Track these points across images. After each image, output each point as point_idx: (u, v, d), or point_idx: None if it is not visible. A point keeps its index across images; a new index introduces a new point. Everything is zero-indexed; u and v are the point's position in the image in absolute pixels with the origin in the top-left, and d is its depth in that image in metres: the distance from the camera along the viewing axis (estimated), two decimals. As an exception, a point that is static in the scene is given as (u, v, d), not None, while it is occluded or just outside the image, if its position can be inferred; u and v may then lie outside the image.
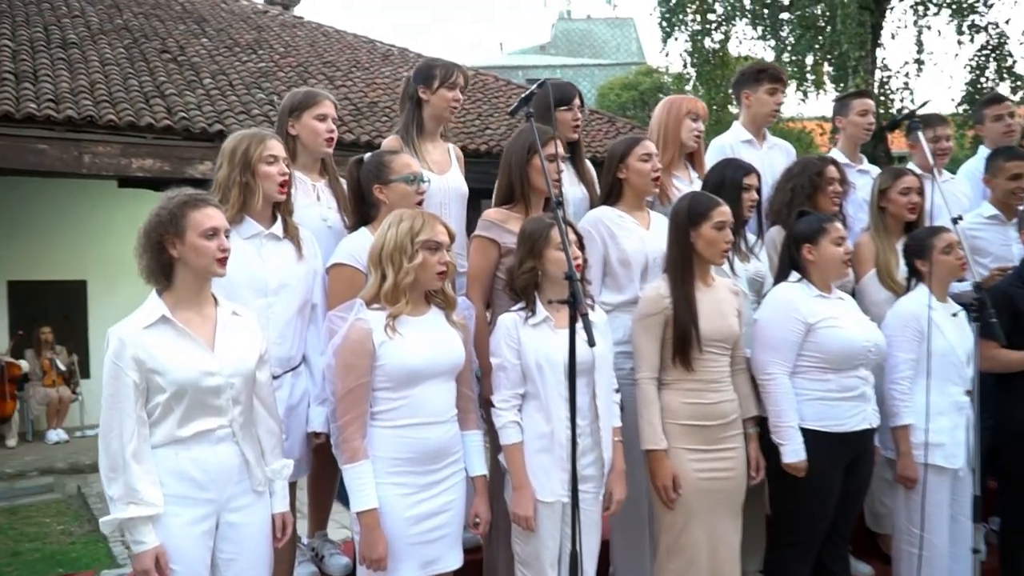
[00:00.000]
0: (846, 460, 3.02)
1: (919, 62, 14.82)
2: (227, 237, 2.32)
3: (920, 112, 3.84)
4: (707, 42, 15.35)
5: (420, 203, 2.89)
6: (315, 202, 3.03)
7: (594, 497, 2.70)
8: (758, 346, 3.04)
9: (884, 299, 3.41)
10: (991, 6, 14.47)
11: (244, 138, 2.71)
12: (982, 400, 3.10)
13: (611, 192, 3.23)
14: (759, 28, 15.16)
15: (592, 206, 3.36)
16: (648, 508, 3.03)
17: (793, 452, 2.94)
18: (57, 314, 10.08)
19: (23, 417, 9.52)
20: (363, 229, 2.87)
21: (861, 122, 4.09)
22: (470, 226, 3.12)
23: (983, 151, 4.36)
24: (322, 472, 3.04)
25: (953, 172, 4.53)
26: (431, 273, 2.51)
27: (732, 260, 3.21)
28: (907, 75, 14.91)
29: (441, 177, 3.25)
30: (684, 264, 2.87)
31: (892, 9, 14.77)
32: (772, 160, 3.94)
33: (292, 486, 3.03)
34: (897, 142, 13.12)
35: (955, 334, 3.21)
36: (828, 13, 13.52)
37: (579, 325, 2.29)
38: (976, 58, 14.62)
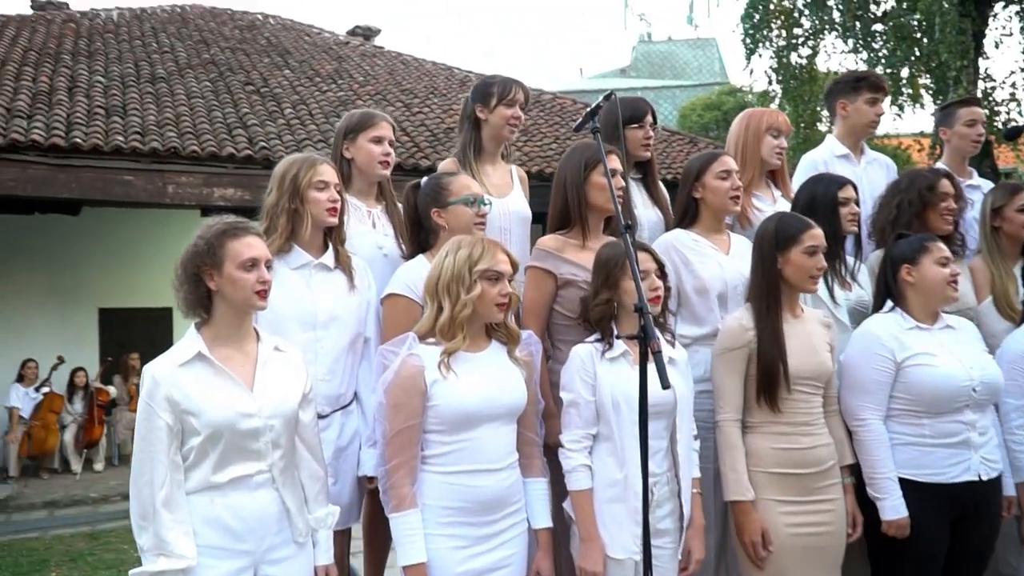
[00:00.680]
0: (952, 516, 2.64)
1: (1027, 71, 13.92)
2: (268, 268, 2.17)
3: None
4: (793, 58, 14.77)
5: (481, 226, 2.70)
6: (370, 229, 2.88)
7: (670, 555, 2.42)
8: (846, 388, 2.71)
9: (1004, 330, 3.04)
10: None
11: (294, 163, 2.58)
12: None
13: (686, 213, 2.97)
14: (849, 41, 14.52)
15: (668, 229, 3.10)
16: (719, 567, 2.72)
17: (892, 508, 2.59)
18: (144, 340, 10.31)
19: (110, 441, 9.75)
20: (420, 257, 2.70)
21: (969, 133, 3.68)
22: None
23: None
24: (379, 517, 2.84)
25: None
26: (490, 305, 2.30)
27: (832, 287, 2.89)
28: (1014, 85, 13.99)
29: (501, 200, 3.07)
30: (770, 293, 2.57)
31: (995, 16, 13.93)
32: (871, 176, 3.60)
33: (348, 531, 2.88)
34: (1004, 156, 12.29)
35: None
36: (925, 22, 12.78)
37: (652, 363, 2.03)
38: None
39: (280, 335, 2.36)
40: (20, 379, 8.75)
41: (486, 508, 2.28)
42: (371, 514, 2.81)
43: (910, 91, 14.14)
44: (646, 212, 3.25)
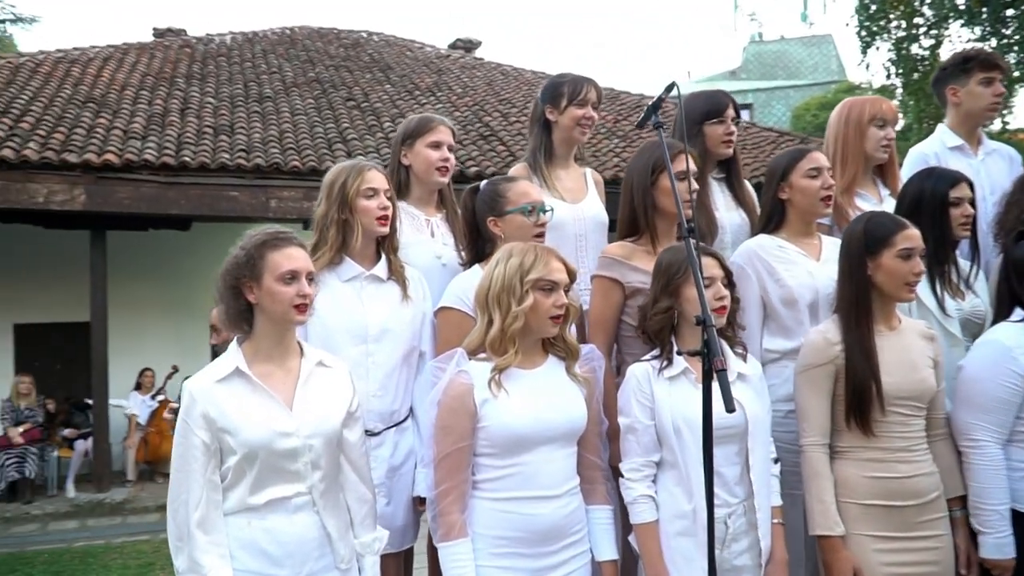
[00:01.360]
0: None
1: None
2: (311, 281, 2.08)
3: None
4: (914, 48, 13.87)
5: (540, 237, 2.53)
6: (428, 238, 2.76)
7: (748, 594, 2.18)
8: (961, 404, 2.39)
9: None
10: None
11: (342, 171, 2.49)
12: None
13: (771, 217, 2.71)
14: (976, 29, 13.49)
15: (754, 233, 2.85)
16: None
17: (996, 546, 2.27)
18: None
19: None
20: (475, 267, 2.56)
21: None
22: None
23: None
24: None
25: None
26: (544, 317, 2.13)
27: (942, 297, 2.58)
28: None
29: (575, 206, 2.89)
30: (859, 303, 2.29)
31: None
32: (991, 170, 3.22)
33: (409, 551, 2.76)
34: None
35: None
36: (1062, 4, 11.75)
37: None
38: None
39: (331, 349, 2.27)
40: (138, 387, 9.17)
41: (543, 538, 2.10)
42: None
43: (1048, 80, 12.99)
44: (729, 215, 3.00)
